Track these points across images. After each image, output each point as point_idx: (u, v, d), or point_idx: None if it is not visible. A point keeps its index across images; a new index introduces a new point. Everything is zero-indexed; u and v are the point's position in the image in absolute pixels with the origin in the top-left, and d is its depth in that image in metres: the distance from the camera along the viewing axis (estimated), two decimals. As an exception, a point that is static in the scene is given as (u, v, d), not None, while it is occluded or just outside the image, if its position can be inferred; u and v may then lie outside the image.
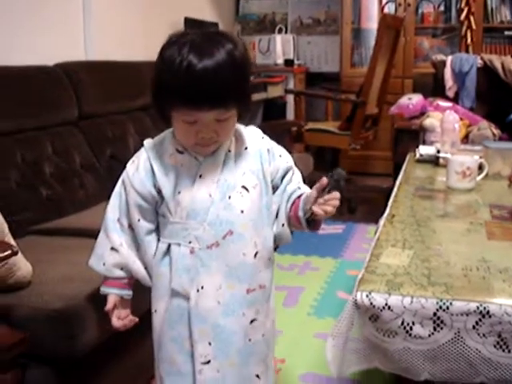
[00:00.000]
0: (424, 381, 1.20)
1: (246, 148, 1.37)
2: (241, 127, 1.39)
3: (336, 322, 1.22)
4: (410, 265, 1.31)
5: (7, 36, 2.69)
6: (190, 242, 1.30)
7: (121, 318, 1.39)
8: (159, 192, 1.31)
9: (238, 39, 1.28)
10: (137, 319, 1.41)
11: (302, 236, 3.69)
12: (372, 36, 5.20)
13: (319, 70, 5.63)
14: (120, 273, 1.37)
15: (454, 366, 1.16)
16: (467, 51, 4.76)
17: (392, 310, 1.15)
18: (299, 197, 1.36)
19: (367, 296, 1.17)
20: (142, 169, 1.32)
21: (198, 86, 1.18)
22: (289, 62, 5.27)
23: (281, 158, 1.41)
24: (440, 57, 4.24)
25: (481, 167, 2.14)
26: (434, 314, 1.14)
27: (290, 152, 1.46)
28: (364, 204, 4.33)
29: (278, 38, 5.32)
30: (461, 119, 3.01)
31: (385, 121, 4.63)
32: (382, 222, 1.67)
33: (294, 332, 2.38)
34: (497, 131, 3.40)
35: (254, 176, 1.36)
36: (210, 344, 1.32)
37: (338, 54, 5.43)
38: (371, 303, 1.16)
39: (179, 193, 1.30)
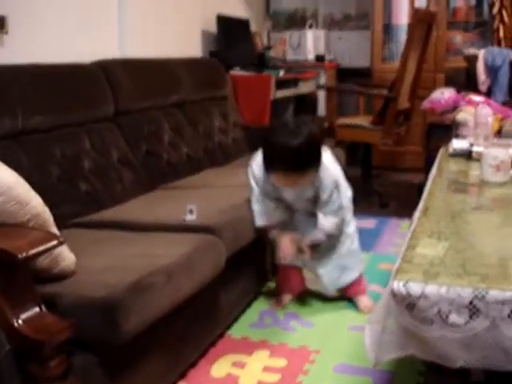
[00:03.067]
0: (458, 368, 1.22)
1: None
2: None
3: (373, 311, 1.25)
4: (445, 255, 1.33)
5: (45, 35, 2.76)
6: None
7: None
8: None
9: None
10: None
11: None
12: (402, 31, 5.20)
13: (350, 66, 5.63)
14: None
15: (489, 353, 1.18)
16: (499, 45, 4.72)
17: (428, 299, 1.18)
18: None
19: (404, 285, 1.19)
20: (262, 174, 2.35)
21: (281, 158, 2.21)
22: (320, 58, 5.27)
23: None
24: (472, 51, 4.23)
25: (515, 161, 2.14)
26: (470, 303, 1.16)
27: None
28: (395, 199, 4.33)
29: (309, 34, 5.31)
30: (493, 113, 3.00)
31: (416, 116, 4.62)
32: (416, 214, 1.69)
33: (328, 324, 2.41)
34: (530, 125, 3.38)
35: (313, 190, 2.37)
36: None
37: (369, 49, 5.43)
38: (408, 292, 1.19)
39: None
